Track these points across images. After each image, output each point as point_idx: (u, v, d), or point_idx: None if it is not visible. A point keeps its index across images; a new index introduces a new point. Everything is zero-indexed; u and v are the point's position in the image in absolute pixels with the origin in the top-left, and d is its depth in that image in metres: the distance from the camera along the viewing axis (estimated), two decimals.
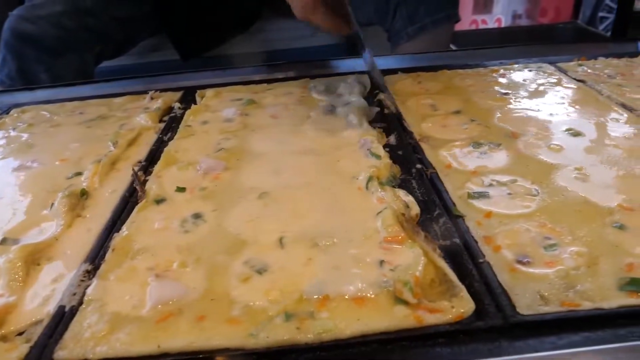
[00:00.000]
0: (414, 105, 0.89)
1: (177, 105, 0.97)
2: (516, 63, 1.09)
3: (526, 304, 0.44)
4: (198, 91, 1.03)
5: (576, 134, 0.75)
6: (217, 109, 0.93)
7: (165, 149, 0.78)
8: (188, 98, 1.01)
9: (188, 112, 0.92)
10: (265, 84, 1.06)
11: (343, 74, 1.07)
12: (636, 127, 0.75)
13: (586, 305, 0.44)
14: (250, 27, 1.60)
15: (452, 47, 1.72)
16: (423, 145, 0.75)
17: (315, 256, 0.51)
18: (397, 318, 0.43)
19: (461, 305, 0.43)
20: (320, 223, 0.56)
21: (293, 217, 0.58)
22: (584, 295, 0.45)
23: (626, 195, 0.59)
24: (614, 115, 0.80)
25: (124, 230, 0.58)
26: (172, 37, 1.53)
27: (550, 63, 1.07)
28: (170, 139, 0.83)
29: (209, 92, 1.01)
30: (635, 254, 0.49)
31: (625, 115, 0.80)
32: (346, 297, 0.46)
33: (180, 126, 0.86)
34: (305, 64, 1.20)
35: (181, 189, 0.66)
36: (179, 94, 1.04)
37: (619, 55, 1.09)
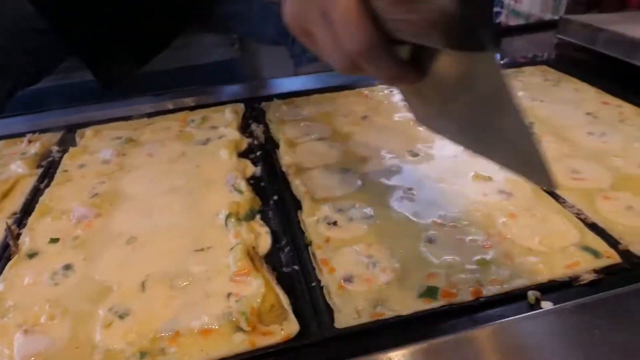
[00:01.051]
0: (289, 132, 0.98)
1: (55, 148, 0.98)
2: (381, 84, 1.21)
3: (344, 319, 0.54)
4: (78, 131, 1.04)
5: (414, 155, 0.87)
6: (96, 150, 0.96)
7: (41, 198, 0.81)
8: (68, 139, 1.03)
9: (66, 155, 0.94)
10: (146, 119, 1.10)
11: (228, 102, 1.12)
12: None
13: (389, 314, 0.54)
14: (171, 42, 1.55)
15: None
16: (290, 174, 0.83)
17: (173, 296, 0.58)
18: (235, 344, 0.51)
19: (288, 327, 0.53)
20: (180, 263, 0.64)
21: (157, 260, 0.65)
22: (390, 306, 0.56)
23: (442, 211, 0.71)
24: None
25: None
26: (89, 67, 1.46)
27: None
28: (47, 186, 0.85)
29: (88, 132, 1.03)
30: (436, 265, 0.61)
31: None
32: (195, 330, 0.53)
33: (57, 172, 0.89)
34: (190, 91, 1.24)
35: (55, 240, 0.70)
36: (58, 135, 1.04)
37: None
